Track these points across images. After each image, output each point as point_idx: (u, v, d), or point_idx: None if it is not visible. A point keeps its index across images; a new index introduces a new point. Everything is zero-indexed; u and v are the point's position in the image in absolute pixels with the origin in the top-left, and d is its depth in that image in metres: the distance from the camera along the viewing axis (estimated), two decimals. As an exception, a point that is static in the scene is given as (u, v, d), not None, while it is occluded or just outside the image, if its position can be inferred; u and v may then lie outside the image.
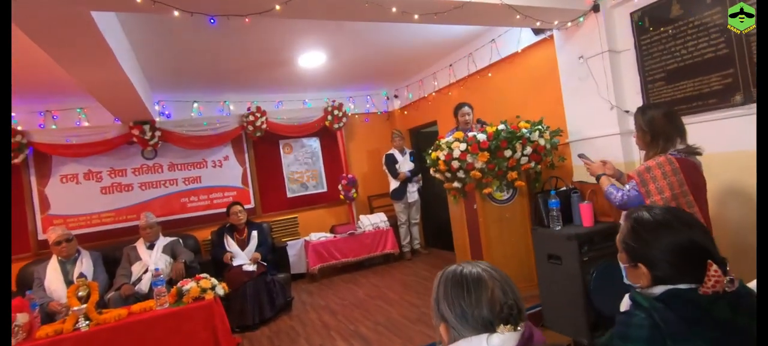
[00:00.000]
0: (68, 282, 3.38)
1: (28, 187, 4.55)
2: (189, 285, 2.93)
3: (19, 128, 4.34)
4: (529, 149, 3.33)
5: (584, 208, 2.96)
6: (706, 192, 2.02)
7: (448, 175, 3.54)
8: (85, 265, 3.57)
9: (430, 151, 3.72)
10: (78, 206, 4.67)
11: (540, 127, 3.39)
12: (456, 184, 3.52)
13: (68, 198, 4.67)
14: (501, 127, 3.38)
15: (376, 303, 3.92)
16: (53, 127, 4.57)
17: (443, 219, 5.91)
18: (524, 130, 3.33)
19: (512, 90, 4.21)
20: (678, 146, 1.99)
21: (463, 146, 3.35)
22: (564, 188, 3.21)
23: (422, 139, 6.33)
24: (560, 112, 3.53)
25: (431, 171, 3.78)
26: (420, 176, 5.67)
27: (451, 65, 4.96)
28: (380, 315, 3.62)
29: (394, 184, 5.55)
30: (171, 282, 3.60)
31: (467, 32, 4.34)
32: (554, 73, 3.59)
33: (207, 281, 3.00)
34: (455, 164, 3.40)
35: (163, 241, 3.98)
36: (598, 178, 2.42)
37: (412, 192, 5.57)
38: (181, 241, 4.14)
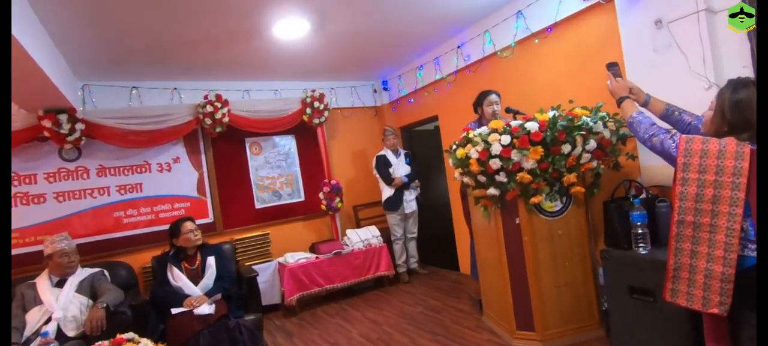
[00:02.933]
0: None
1: None
2: (103, 355, 1.85)
3: None
4: (592, 143, 2.48)
5: (682, 222, 2.15)
6: None
7: (483, 178, 2.64)
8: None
9: (453, 146, 2.81)
10: (-38, 225, 3.39)
11: (603, 115, 2.55)
12: (492, 190, 2.62)
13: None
14: (552, 113, 2.52)
15: (381, 351, 2.94)
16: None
17: (440, 232, 5.03)
18: (585, 119, 2.48)
19: (545, 73, 3.37)
20: None
21: (505, 139, 2.45)
22: (644, 195, 2.39)
23: (417, 139, 5.43)
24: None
25: (456, 173, 2.86)
26: (418, 181, 4.76)
27: (459, 47, 4.10)
28: (390, 371, 2.64)
29: (387, 192, 4.60)
30: (86, 339, 2.48)
31: (484, 5, 3.50)
32: (610, 47, 2.79)
33: (132, 345, 1.92)
34: (494, 164, 2.50)
35: (80, 275, 2.82)
36: (620, 100, 1.97)
37: (410, 201, 4.64)
38: (106, 273, 2.98)
